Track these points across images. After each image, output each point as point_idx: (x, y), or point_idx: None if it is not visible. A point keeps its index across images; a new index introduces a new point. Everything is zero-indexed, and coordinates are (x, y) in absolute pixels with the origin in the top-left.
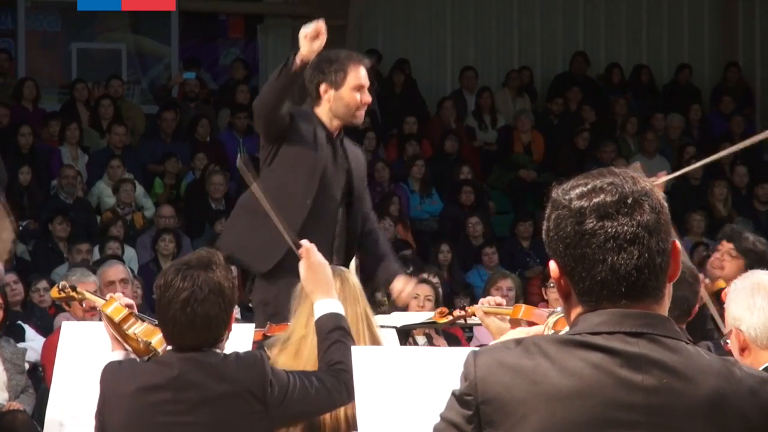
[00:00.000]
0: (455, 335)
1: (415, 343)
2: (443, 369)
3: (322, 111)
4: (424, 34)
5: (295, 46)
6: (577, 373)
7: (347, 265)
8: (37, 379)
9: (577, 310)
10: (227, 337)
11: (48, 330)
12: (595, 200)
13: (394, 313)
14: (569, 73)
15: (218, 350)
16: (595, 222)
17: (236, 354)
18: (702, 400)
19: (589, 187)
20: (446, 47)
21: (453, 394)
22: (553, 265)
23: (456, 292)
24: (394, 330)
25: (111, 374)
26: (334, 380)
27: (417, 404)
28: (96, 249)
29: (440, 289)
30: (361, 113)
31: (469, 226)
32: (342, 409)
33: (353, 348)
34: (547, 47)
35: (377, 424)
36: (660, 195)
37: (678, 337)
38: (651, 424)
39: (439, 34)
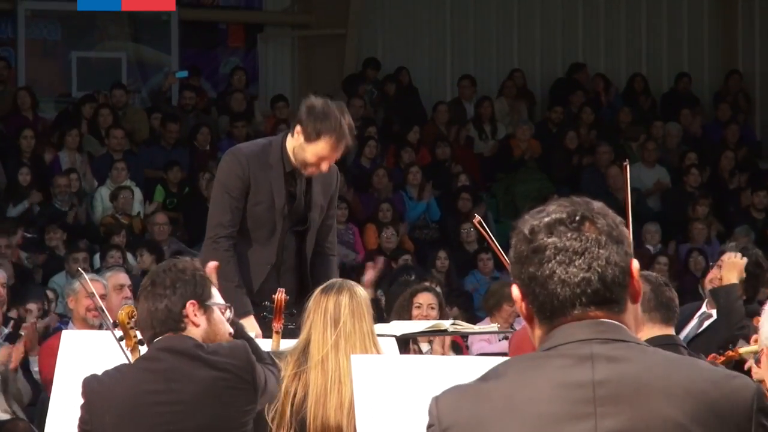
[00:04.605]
0: (458, 344)
1: (420, 351)
2: (442, 377)
3: (291, 144)
4: (423, 42)
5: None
6: (532, 381)
7: (301, 287)
8: (37, 389)
9: (537, 333)
10: (191, 329)
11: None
12: (545, 219)
13: (394, 322)
14: (568, 82)
15: (190, 336)
16: (545, 239)
17: (219, 344)
18: (654, 385)
19: (542, 212)
20: (446, 56)
21: None
22: (515, 290)
23: (454, 297)
24: (393, 338)
25: (95, 385)
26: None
27: (416, 412)
28: (97, 256)
29: (443, 298)
30: (312, 171)
31: (462, 233)
32: (332, 417)
33: (353, 356)
34: (546, 57)
35: None
36: (617, 218)
37: (629, 340)
38: (600, 413)
39: (439, 43)
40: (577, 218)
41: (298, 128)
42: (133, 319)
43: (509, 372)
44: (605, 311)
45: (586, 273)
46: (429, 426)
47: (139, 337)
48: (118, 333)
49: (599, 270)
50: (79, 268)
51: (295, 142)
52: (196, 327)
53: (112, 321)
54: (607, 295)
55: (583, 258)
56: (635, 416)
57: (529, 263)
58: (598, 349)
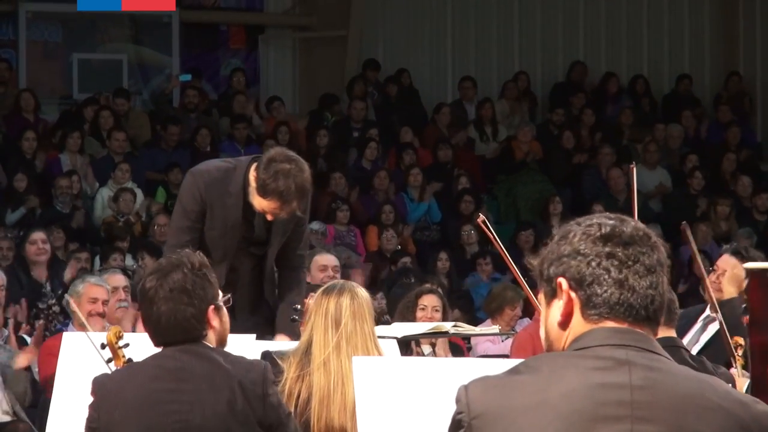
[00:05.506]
0: (459, 345)
1: (422, 353)
2: (443, 379)
3: (252, 179)
4: (424, 44)
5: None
6: (566, 378)
7: (258, 301)
8: (37, 391)
9: (577, 330)
10: (209, 334)
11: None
12: (625, 229)
13: (395, 324)
14: (569, 83)
15: (209, 344)
16: (622, 248)
17: (241, 356)
18: (689, 401)
19: (612, 221)
20: (447, 57)
21: (449, 425)
22: (563, 282)
23: (454, 299)
24: (395, 340)
25: (106, 382)
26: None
27: (417, 414)
28: (97, 258)
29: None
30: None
31: (463, 235)
32: (334, 419)
33: (354, 358)
34: (547, 58)
35: None
36: None
37: (661, 353)
38: (636, 417)
39: (440, 44)
40: (653, 240)
41: (254, 174)
42: (121, 340)
43: (542, 367)
44: (648, 329)
45: (653, 290)
46: (457, 413)
47: (128, 356)
48: (107, 354)
49: (661, 293)
50: (66, 278)
51: (252, 181)
52: (214, 330)
53: (99, 344)
54: (659, 318)
55: (652, 276)
56: (670, 428)
57: (597, 264)
58: (634, 356)
